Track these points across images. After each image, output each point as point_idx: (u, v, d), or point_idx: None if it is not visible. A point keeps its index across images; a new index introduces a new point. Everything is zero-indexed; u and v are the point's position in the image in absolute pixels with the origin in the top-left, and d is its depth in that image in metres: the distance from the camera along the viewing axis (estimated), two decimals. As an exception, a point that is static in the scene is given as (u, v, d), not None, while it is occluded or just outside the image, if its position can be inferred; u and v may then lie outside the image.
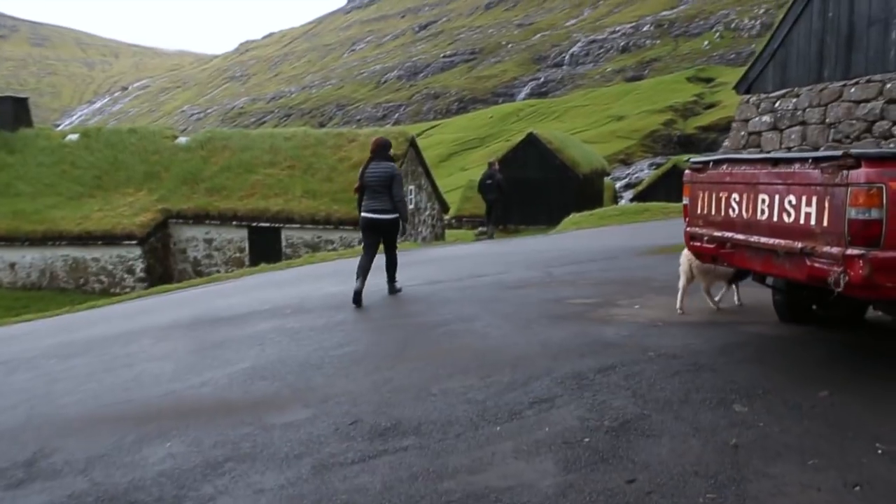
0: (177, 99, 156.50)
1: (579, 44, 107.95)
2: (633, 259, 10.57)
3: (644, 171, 55.99)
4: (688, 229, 5.65)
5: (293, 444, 4.29)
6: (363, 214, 8.65)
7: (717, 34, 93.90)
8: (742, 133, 10.95)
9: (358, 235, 21.09)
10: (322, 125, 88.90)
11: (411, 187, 23.73)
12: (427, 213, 25.03)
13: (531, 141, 30.55)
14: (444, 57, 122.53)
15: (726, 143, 39.23)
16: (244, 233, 21.87)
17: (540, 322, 6.67)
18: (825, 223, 4.14)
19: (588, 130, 66.58)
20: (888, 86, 8.48)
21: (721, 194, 5.14)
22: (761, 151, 10.51)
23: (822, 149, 9.32)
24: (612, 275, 9.24)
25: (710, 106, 70.40)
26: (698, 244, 5.50)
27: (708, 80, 78.32)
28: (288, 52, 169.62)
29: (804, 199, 4.29)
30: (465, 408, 4.58)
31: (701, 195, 5.40)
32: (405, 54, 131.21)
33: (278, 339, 6.98)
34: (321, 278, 11.23)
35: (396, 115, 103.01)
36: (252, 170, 22.71)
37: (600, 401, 4.45)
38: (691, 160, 5.64)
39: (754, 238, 4.79)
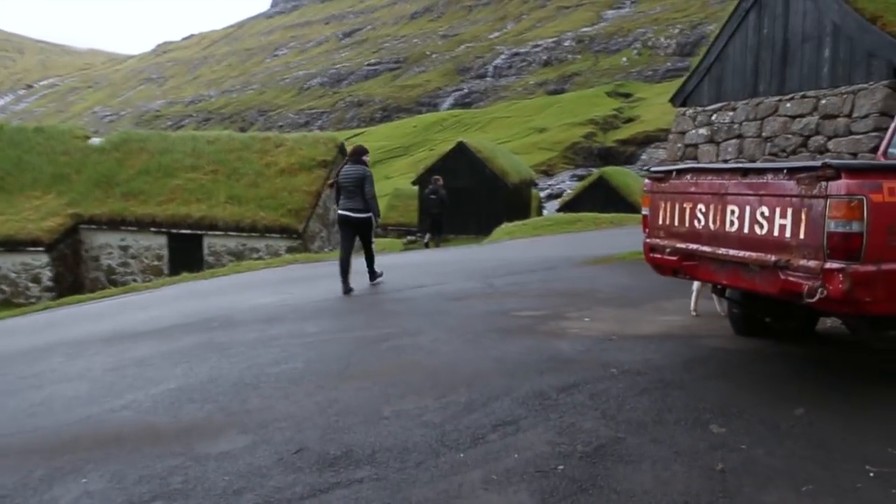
0: (87, 99, 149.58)
1: (502, 56, 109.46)
2: (573, 270, 10.44)
3: (566, 183, 57.03)
4: (647, 240, 5.47)
5: (231, 477, 3.80)
6: (339, 212, 9.43)
7: (636, 51, 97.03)
8: (679, 145, 11.02)
9: (285, 244, 20.42)
10: (243, 130, 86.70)
11: (341, 194, 23.14)
12: (355, 221, 24.44)
13: (461, 150, 30.45)
14: (368, 65, 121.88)
15: (663, 154, 40.07)
16: (163, 240, 20.74)
17: (489, 336, 6.36)
18: (802, 236, 3.99)
19: (511, 141, 67.41)
20: (823, 101, 8.64)
21: (685, 205, 4.97)
22: (698, 164, 10.59)
23: (758, 162, 9.44)
24: (554, 286, 9.05)
25: (629, 120, 72.60)
26: (658, 256, 5.31)
27: (626, 95, 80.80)
28: (208, 54, 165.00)
29: (778, 210, 4.14)
30: (423, 432, 4.21)
31: (662, 205, 5.23)
32: (329, 61, 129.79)
33: (207, 356, 6.42)
34: (249, 289, 10.61)
35: (319, 121, 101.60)
36: (172, 174, 21.59)
37: (568, 423, 4.16)
38: (651, 169, 5.47)
39: (722, 250, 4.62)
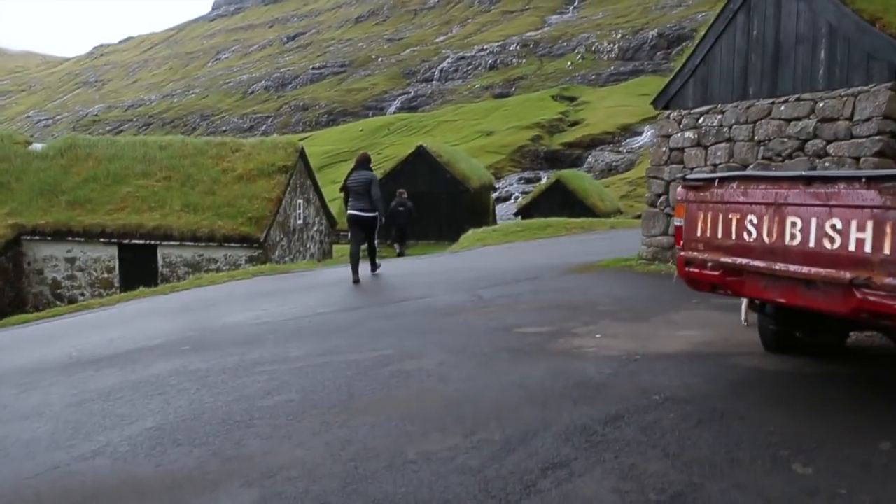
0: (21, 103, 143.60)
1: (448, 60, 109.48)
2: (560, 279, 10.01)
3: (514, 186, 57.16)
4: (682, 254, 5.02)
5: (245, 546, 3.18)
6: (349, 212, 10.69)
7: (580, 56, 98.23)
8: (664, 149, 10.70)
9: (245, 254, 19.46)
10: (186, 136, 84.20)
11: (300, 201, 22.24)
12: (315, 228, 23.60)
13: (421, 154, 29.87)
14: (313, 69, 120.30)
15: (609, 157, 40.32)
16: (113, 251, 19.51)
17: (501, 358, 5.83)
18: (887, 251, 3.58)
19: (459, 145, 67.31)
20: (820, 104, 8.39)
21: (731, 216, 4.53)
22: (685, 168, 10.31)
23: (750, 167, 9.17)
24: (547, 297, 8.59)
25: (575, 123, 73.38)
26: (696, 271, 4.87)
27: (571, 99, 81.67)
28: (148, 58, 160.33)
29: (854, 223, 3.72)
30: (461, 480, 3.64)
31: (702, 216, 4.78)
32: (273, 65, 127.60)
33: (184, 386, 5.71)
34: (216, 305, 9.84)
35: (264, 126, 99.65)
36: (122, 181, 20.34)
37: (629, 464, 3.65)
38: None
39: (779, 266, 4.20)
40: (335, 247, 25.24)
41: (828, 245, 3.88)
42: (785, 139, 8.79)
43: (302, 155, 21.98)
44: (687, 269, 4.96)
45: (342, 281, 11.00)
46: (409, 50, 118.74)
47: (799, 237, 4.05)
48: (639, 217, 33.43)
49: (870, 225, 3.64)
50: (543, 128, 72.04)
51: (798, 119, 8.69)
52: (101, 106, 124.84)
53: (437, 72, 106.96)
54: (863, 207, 3.68)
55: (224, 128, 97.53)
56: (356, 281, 10.54)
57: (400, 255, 20.93)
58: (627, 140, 66.54)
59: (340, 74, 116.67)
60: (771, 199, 4.24)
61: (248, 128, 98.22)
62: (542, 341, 6.31)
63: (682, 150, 10.42)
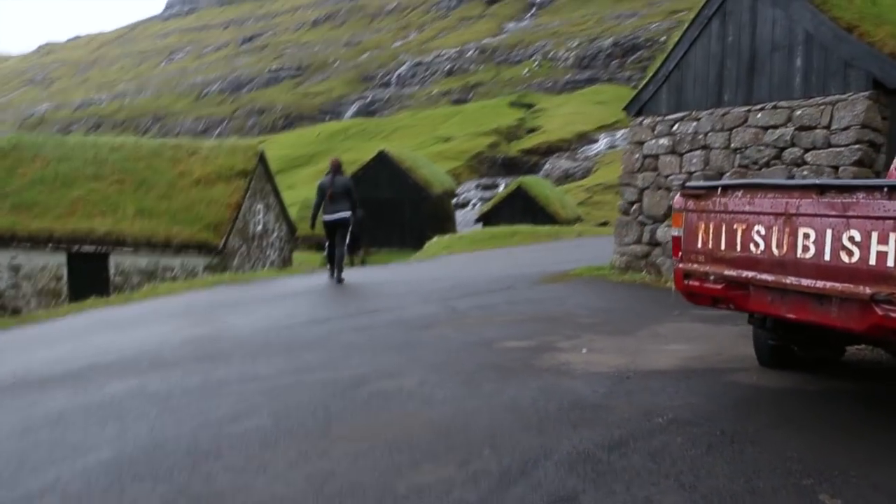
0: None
1: (406, 65, 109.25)
2: (534, 289, 9.76)
3: (472, 192, 57.24)
4: (680, 266, 4.78)
5: None
6: (325, 218, 11.35)
7: (536, 63, 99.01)
8: (637, 156, 10.56)
9: (203, 261, 18.77)
10: (139, 137, 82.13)
11: (259, 206, 21.59)
12: (275, 234, 22.94)
13: (382, 159, 29.40)
14: (269, 71, 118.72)
15: (566, 164, 40.59)
16: (62, 258, 18.57)
17: (485, 376, 5.51)
18: (914, 265, 3.37)
19: (416, 151, 67.21)
20: (797, 112, 8.32)
21: (736, 226, 4.30)
22: (658, 175, 10.18)
23: (727, 174, 9.07)
24: (524, 309, 8.32)
25: (532, 130, 73.92)
26: (696, 284, 4.63)
27: (529, 106, 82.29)
28: (98, 57, 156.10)
29: (875, 235, 3.51)
30: (461, 518, 3.31)
31: (703, 226, 4.55)
32: (228, 67, 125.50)
33: (143, 410, 5.24)
34: (174, 317, 9.30)
35: (218, 129, 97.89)
36: (72, 184, 19.40)
37: (642, 497, 3.36)
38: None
39: (790, 279, 3.97)
40: (295, 254, 24.62)
41: (845, 258, 3.66)
42: (762, 147, 8.70)
43: (262, 159, 21.36)
44: (686, 281, 4.72)
45: (308, 291, 10.56)
46: (366, 54, 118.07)
47: (812, 249, 3.83)
48: (603, 225, 33.67)
49: (892, 238, 3.43)
50: (501, 134, 72.36)
51: (775, 127, 8.60)
52: (48, 105, 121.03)
53: (394, 77, 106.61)
54: (884, 219, 3.46)
55: (177, 130, 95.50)
56: (339, 280, 11.28)
57: (363, 263, 20.52)
58: (584, 147, 67.21)
59: (297, 78, 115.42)
60: (780, 208, 4.01)
61: (203, 130, 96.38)
62: (526, 357, 6.01)
63: (655, 157, 10.28)
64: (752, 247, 4.20)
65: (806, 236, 3.86)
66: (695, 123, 9.70)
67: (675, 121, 10.02)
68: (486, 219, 31.65)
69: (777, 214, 4.03)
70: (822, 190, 3.82)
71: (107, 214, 18.68)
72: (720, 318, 7.19)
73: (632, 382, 5.11)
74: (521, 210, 30.21)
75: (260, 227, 21.78)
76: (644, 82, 10.84)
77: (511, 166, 66.76)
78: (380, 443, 4.25)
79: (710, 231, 4.48)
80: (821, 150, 8.04)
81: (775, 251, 4.05)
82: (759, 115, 8.79)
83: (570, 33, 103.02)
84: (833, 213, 3.72)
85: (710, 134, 9.45)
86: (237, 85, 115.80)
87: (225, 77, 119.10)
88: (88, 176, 19.84)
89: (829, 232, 3.74)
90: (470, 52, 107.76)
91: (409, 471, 3.85)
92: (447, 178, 35.37)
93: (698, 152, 9.59)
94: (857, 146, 7.65)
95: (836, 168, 7.82)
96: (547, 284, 10.05)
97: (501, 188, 56.19)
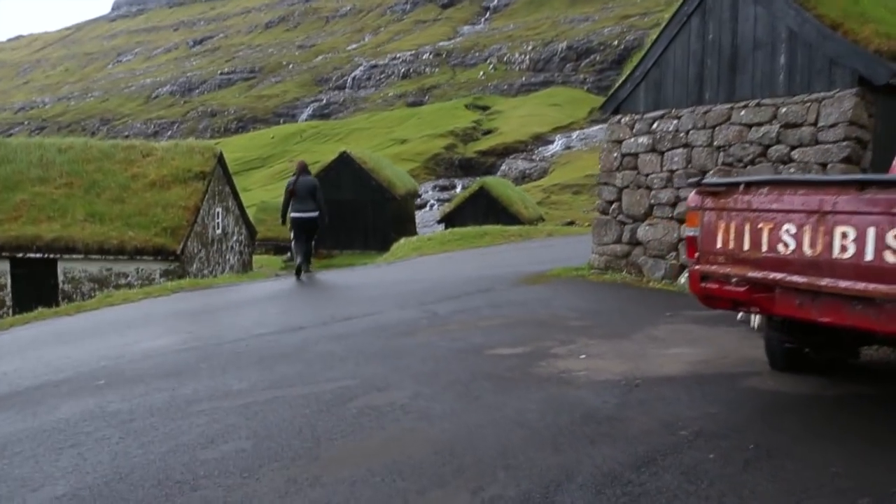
0: None
1: (361, 68, 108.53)
2: (514, 291, 9.40)
3: (429, 193, 56.99)
4: (697, 268, 4.45)
5: None
6: (295, 215, 11.63)
7: (492, 66, 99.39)
8: (615, 154, 10.30)
9: (159, 267, 17.94)
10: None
11: (218, 209, 20.76)
12: (234, 238, 22.13)
13: (344, 160, 28.76)
14: (221, 74, 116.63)
15: (522, 165, 40.49)
16: (5, 266, 17.48)
17: (482, 386, 5.11)
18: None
19: (373, 153, 66.75)
20: (783, 110, 8.14)
21: (761, 225, 3.98)
22: (638, 174, 9.93)
23: (710, 173, 8.85)
24: (508, 312, 7.94)
25: (488, 132, 74.14)
26: (715, 286, 4.30)
27: (484, 108, 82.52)
28: (41, 58, 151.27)
29: (927, 233, 3.23)
30: (484, 556, 2.89)
31: (723, 225, 4.22)
32: (179, 69, 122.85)
33: (103, 434, 4.69)
34: (133, 327, 8.66)
35: (169, 132, 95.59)
36: (16, 187, 18.30)
37: (688, 526, 3.00)
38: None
39: (825, 281, 3.67)
40: (255, 257, 23.85)
41: (891, 258, 3.37)
42: (746, 144, 8.50)
43: (220, 160, 20.57)
44: (703, 284, 4.40)
45: (275, 296, 10.02)
46: (320, 57, 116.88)
47: (851, 249, 3.53)
48: (570, 224, 33.60)
49: (950, 235, 3.15)
50: (457, 136, 72.38)
51: (759, 124, 8.41)
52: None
53: (349, 79, 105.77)
54: (940, 215, 3.18)
55: (126, 133, 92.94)
56: (307, 271, 11.84)
57: (288, 263, 20.01)
58: (540, 148, 67.64)
59: (250, 80, 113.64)
60: (814, 206, 3.71)
61: (153, 133, 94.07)
62: (523, 364, 5.63)
63: (635, 155, 10.03)
64: (780, 247, 3.88)
65: (844, 235, 3.55)
66: (675, 121, 9.48)
67: (655, 119, 9.79)
68: (449, 219, 31.30)
69: (810, 212, 3.72)
70: (862, 185, 3.52)
71: (54, 219, 17.69)
72: (715, 319, 6.93)
73: (642, 391, 4.77)
74: (483, 210, 29.95)
75: (219, 231, 20.97)
76: (621, 80, 10.60)
77: (468, 167, 66.86)
78: (378, 466, 3.81)
79: (732, 230, 4.16)
80: (808, 148, 7.87)
81: (807, 251, 3.74)
82: (743, 113, 8.59)
83: (525, 37, 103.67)
84: (876, 210, 3.43)
85: (691, 132, 9.24)
86: (188, 87, 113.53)
87: (175, 79, 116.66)
88: (34, 179, 18.78)
89: (871, 231, 3.44)
90: (425, 55, 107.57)
91: (417, 499, 3.42)
92: (410, 180, 34.93)
93: (680, 150, 9.37)
94: (845, 143, 7.49)
95: (824, 165, 7.65)
96: (526, 286, 9.71)
97: (459, 189, 56.06)
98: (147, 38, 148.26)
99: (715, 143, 8.90)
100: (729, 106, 8.80)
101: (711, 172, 8.87)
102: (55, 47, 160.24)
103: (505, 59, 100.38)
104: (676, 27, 9.60)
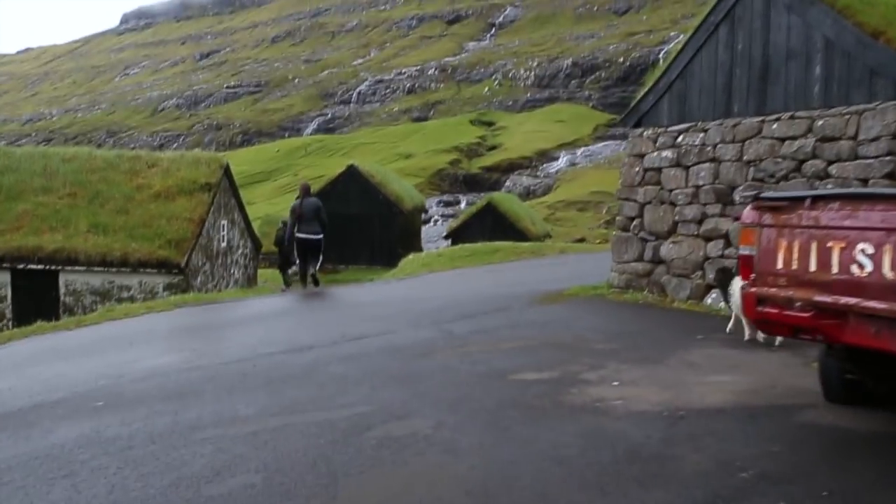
0: None
1: (367, 83, 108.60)
2: (532, 310, 9.00)
3: (434, 209, 56.72)
4: (752, 290, 4.06)
5: None
6: (300, 236, 12.10)
7: (497, 82, 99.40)
8: (637, 169, 9.93)
9: (163, 280, 17.54)
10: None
11: (224, 222, 20.38)
12: (239, 252, 21.73)
13: (352, 174, 28.43)
14: (227, 87, 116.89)
15: (527, 181, 40.21)
16: (6, 277, 17.05)
17: (511, 416, 4.70)
18: None
19: (380, 166, 66.62)
20: (819, 123, 7.78)
21: (832, 244, 3.60)
22: (662, 189, 9.56)
23: (740, 188, 8.48)
24: (528, 333, 7.54)
25: (493, 148, 73.96)
26: (774, 311, 3.91)
27: (489, 124, 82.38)
28: (49, 70, 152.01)
29: None
30: None
31: (784, 244, 3.83)
32: (185, 82, 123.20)
33: (100, 463, 4.30)
34: (134, 343, 8.28)
35: (175, 144, 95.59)
36: (18, 197, 17.92)
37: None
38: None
39: (916, 307, 3.27)
40: (260, 271, 23.45)
41: None
42: (779, 159, 8.13)
43: (227, 172, 20.21)
44: (759, 308, 4.00)
45: (283, 312, 9.65)
46: (326, 72, 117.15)
47: None
48: (580, 241, 33.19)
49: None
50: (462, 151, 72.17)
51: (793, 138, 8.04)
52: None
53: (354, 94, 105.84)
54: None
55: (132, 145, 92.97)
56: (292, 284, 12.84)
57: (293, 276, 19.74)
58: (544, 165, 67.39)
59: (256, 94, 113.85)
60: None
61: (159, 146, 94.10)
62: (551, 392, 5.23)
63: (658, 170, 9.66)
64: (854, 268, 3.50)
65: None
66: (702, 135, 9.11)
67: (680, 132, 9.43)
68: (456, 235, 30.93)
69: (891, 230, 3.34)
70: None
71: (57, 230, 17.30)
72: (751, 343, 6.54)
73: (688, 424, 4.36)
74: (490, 226, 29.57)
75: (224, 244, 20.58)
76: (643, 92, 10.25)
77: (472, 183, 66.63)
78: (405, 510, 3.41)
79: (795, 249, 3.77)
80: (847, 163, 7.48)
81: (888, 274, 3.35)
82: (775, 126, 8.23)
83: (530, 53, 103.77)
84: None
85: (719, 146, 8.87)
86: (194, 100, 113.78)
87: (182, 92, 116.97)
88: (37, 189, 18.40)
89: None
90: (431, 71, 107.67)
91: (451, 551, 3.02)
92: (417, 194, 34.57)
93: (706, 165, 8.99)
94: (888, 157, 7.11)
95: (865, 181, 7.26)
96: (544, 305, 9.31)
97: (463, 205, 55.76)
98: (154, 51, 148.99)
99: (745, 158, 8.53)
100: (760, 119, 8.43)
101: (741, 188, 8.50)
102: (63, 60, 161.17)
103: (510, 75, 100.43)
104: (703, 37, 9.26)
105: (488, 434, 4.36)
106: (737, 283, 6.41)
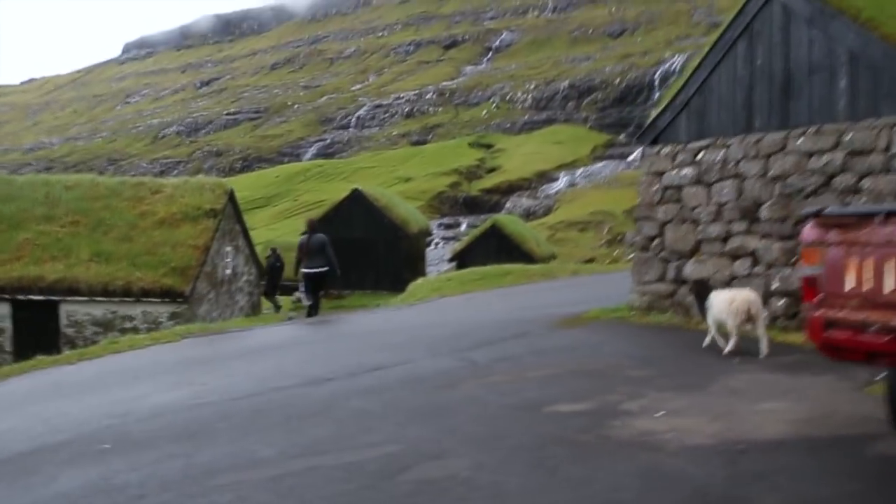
0: None
1: (365, 107, 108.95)
2: (553, 335, 8.64)
3: (435, 231, 56.39)
4: (818, 313, 3.73)
5: None
6: (305, 270, 12.69)
7: (495, 105, 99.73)
8: (655, 187, 9.64)
9: (167, 310, 17.14)
10: (91, 180, 79.31)
11: (228, 249, 20.01)
12: (244, 279, 21.34)
13: (356, 197, 28.13)
14: (227, 114, 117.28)
15: (527, 203, 39.90)
16: (6, 309, 16.63)
17: (555, 454, 4.34)
18: None
19: (384, 189, 66.45)
20: (847, 137, 7.52)
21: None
22: (683, 207, 9.27)
23: (766, 205, 8.19)
24: (554, 360, 7.19)
25: (492, 170, 73.96)
26: (844, 336, 3.58)
27: (488, 146, 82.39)
28: (50, 99, 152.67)
29: None
30: None
31: (855, 263, 3.51)
32: (185, 110, 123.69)
33: (109, 516, 3.94)
34: (140, 378, 7.91)
35: (176, 171, 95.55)
36: (19, 226, 17.55)
37: None
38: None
39: None
40: (263, 298, 23.05)
41: None
42: (807, 174, 7.83)
43: (231, 197, 19.89)
44: (827, 332, 3.67)
45: (293, 343, 9.30)
46: (325, 97, 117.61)
47: None
48: (589, 262, 32.82)
49: None
50: (461, 174, 72.12)
51: (821, 152, 7.75)
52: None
53: (353, 119, 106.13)
54: None
55: (133, 172, 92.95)
56: (314, 314, 12.84)
57: (297, 303, 20.27)
58: (544, 186, 67.32)
59: (255, 120, 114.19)
60: None
61: (159, 172, 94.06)
62: (593, 425, 4.87)
63: (678, 188, 9.36)
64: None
65: None
66: (723, 151, 8.83)
67: (700, 149, 9.14)
68: (460, 258, 30.57)
69: None
70: None
71: (58, 259, 16.92)
72: (792, 366, 6.19)
73: (751, 460, 4.00)
74: (495, 249, 29.22)
75: (229, 271, 20.20)
76: (660, 109, 9.98)
77: (472, 205, 66.56)
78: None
79: (868, 269, 3.45)
80: (880, 176, 7.20)
81: None
82: (801, 141, 7.94)
83: (527, 76, 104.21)
84: None
85: (742, 162, 8.58)
86: (194, 127, 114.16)
87: (182, 119, 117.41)
88: (38, 217, 18.04)
89: None
90: (429, 95, 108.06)
91: None
92: (422, 217, 34.26)
93: (729, 182, 8.69)
94: (924, 171, 6.82)
95: (900, 195, 6.97)
96: (564, 329, 8.96)
97: (464, 227, 55.40)
98: (155, 79, 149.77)
99: (770, 174, 8.24)
100: (783, 133, 8.15)
101: (768, 205, 8.20)
102: (65, 90, 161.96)
103: (508, 97, 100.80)
104: (721, 53, 9.01)
105: (535, 476, 4.00)
106: (714, 297, 6.97)
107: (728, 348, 6.68)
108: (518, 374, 6.60)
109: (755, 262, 8.30)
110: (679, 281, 9.28)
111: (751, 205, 8.44)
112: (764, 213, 8.23)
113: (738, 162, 8.64)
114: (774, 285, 7.96)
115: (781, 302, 7.84)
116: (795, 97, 8.19)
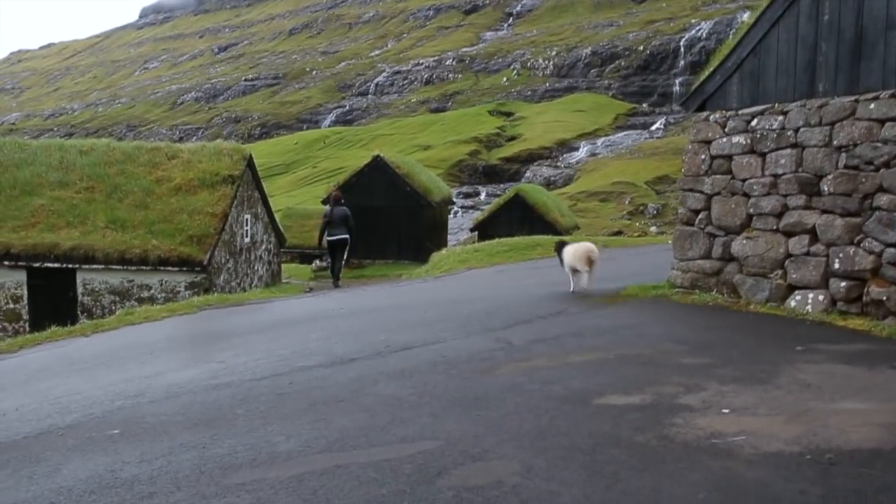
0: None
1: (384, 74, 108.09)
2: (593, 314, 8.12)
3: (453, 200, 55.74)
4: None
5: None
6: (329, 238, 15.09)
7: (515, 72, 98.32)
8: (703, 157, 8.99)
9: (184, 279, 16.80)
10: (110, 145, 79.45)
11: (247, 216, 19.53)
12: (263, 247, 20.92)
13: (378, 165, 27.51)
14: (245, 80, 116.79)
15: (547, 172, 39.17)
16: (21, 276, 16.39)
17: (613, 457, 3.84)
18: None
19: (405, 157, 65.89)
20: (928, 101, 6.80)
21: None
22: (733, 179, 8.63)
23: (829, 176, 7.53)
24: (597, 343, 6.67)
25: (512, 138, 73.05)
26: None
27: (508, 114, 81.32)
28: (70, 65, 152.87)
29: None
30: None
31: None
32: (204, 76, 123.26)
33: (115, 518, 3.51)
34: (155, 353, 7.50)
35: (194, 137, 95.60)
36: (34, 192, 17.20)
37: None
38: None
39: None
40: (284, 266, 22.64)
41: None
42: (878, 144, 7.15)
43: (250, 163, 19.37)
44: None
45: (315, 316, 8.84)
46: (343, 63, 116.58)
47: None
48: (617, 234, 32.12)
49: None
50: (481, 142, 71.39)
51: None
52: (18, 114, 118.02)
53: (372, 85, 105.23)
54: None
55: (152, 139, 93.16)
56: (337, 285, 15.00)
57: (318, 272, 22.54)
58: (565, 155, 66.36)
59: (274, 87, 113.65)
60: None
61: (178, 139, 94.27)
62: (651, 422, 4.36)
63: (728, 157, 8.71)
64: None
65: None
66: (781, 118, 8.15)
67: (753, 115, 8.47)
68: (482, 228, 30.01)
69: None
70: None
71: (74, 226, 16.55)
72: (866, 356, 5.64)
73: (845, 472, 3.47)
74: (519, 218, 28.59)
75: (248, 239, 19.76)
76: (708, 72, 9.29)
77: (492, 174, 65.97)
78: None
79: None
80: (965, 146, 6.52)
81: None
82: (873, 106, 7.25)
83: (549, 42, 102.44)
84: None
85: (802, 130, 7.90)
86: (213, 94, 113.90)
87: (200, 86, 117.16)
88: (53, 183, 17.66)
89: None
90: (448, 62, 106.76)
91: None
92: (445, 186, 33.56)
93: (787, 151, 8.03)
94: None
95: None
96: (603, 307, 8.42)
97: (483, 196, 54.72)
98: (173, 45, 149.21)
99: (835, 143, 7.56)
100: (852, 98, 7.46)
101: (830, 177, 7.54)
102: (84, 55, 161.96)
103: (528, 64, 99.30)
104: (781, 8, 8.28)
105: (594, 484, 3.50)
106: (565, 249, 9.56)
107: (572, 287, 9.26)
108: (560, 359, 6.09)
109: (813, 240, 7.67)
110: (726, 258, 8.69)
111: (811, 177, 7.78)
112: (826, 186, 7.57)
113: (797, 130, 7.96)
114: (835, 266, 7.34)
115: (843, 285, 7.22)
116: (868, 57, 7.47)
